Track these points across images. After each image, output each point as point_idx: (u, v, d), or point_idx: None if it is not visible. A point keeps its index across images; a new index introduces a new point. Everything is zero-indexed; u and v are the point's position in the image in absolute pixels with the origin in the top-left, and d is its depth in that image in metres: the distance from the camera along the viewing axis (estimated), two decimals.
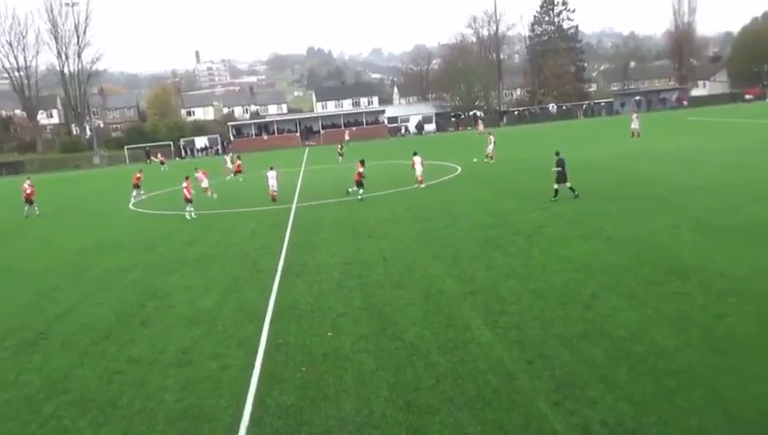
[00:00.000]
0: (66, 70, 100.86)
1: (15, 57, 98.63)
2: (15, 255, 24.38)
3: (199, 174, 37.91)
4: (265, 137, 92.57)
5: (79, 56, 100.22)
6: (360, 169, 29.24)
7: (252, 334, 12.66)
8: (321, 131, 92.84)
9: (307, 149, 73.83)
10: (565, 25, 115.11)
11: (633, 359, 9.86)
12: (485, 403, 8.96)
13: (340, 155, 54.83)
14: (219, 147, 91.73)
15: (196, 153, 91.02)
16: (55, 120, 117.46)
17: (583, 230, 18.87)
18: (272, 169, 33.30)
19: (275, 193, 32.23)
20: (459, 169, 38.66)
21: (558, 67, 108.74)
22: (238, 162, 46.80)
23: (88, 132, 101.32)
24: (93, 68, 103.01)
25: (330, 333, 12.26)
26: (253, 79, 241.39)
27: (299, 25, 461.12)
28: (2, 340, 13.87)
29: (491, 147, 41.04)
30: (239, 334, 12.79)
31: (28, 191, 34.74)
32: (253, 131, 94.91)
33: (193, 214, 28.89)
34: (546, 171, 33.45)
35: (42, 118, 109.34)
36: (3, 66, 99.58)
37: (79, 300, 16.64)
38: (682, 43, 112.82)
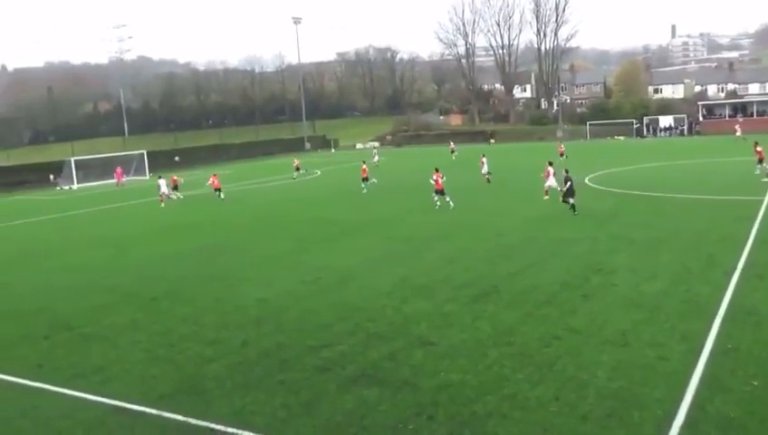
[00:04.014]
0: (543, 47, 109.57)
1: (501, 36, 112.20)
2: (478, 217, 27.07)
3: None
4: (740, 119, 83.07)
5: (555, 34, 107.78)
6: None
7: (697, 331, 11.73)
8: None
9: None
10: None
11: None
12: None
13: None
14: (685, 127, 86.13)
15: (659, 133, 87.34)
16: (527, 94, 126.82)
17: None
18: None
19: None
20: None
21: None
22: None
23: (555, 107, 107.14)
24: (567, 45, 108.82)
25: None
26: (734, 54, 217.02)
27: None
28: (464, 287, 15.87)
29: None
30: (683, 328, 12.00)
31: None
32: (726, 112, 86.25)
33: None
34: None
35: (516, 92, 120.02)
36: (490, 44, 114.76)
37: (529, 263, 17.87)
38: None
